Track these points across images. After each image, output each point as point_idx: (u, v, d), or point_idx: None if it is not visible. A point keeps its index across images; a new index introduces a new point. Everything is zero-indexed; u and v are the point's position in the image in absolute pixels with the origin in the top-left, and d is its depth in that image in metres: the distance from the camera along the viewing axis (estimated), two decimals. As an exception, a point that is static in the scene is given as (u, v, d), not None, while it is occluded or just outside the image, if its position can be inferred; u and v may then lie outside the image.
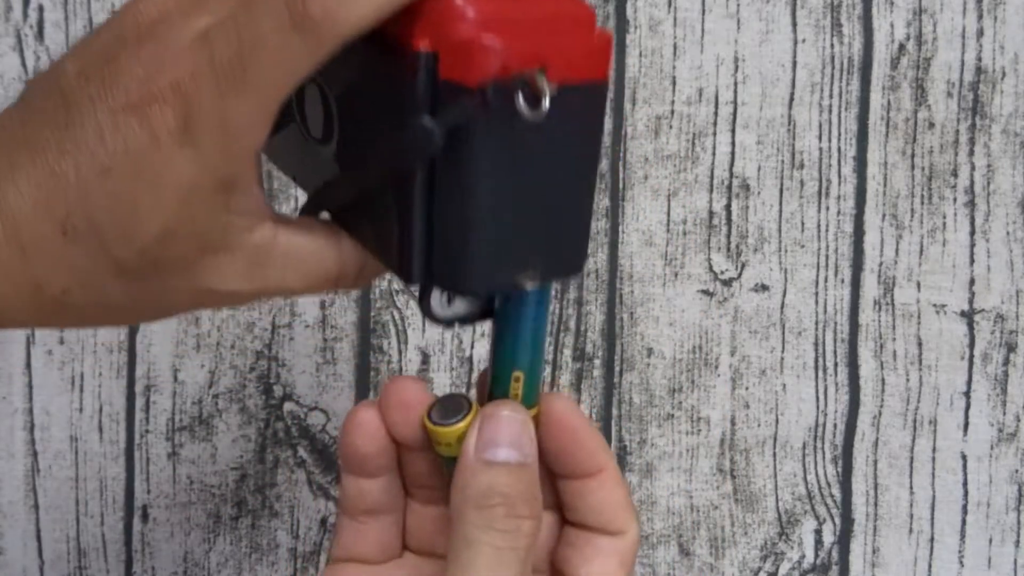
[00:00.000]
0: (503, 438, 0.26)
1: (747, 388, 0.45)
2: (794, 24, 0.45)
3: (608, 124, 0.45)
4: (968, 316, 0.45)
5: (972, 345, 0.45)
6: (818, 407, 0.45)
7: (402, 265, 0.24)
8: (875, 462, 0.46)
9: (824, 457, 0.45)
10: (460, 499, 0.26)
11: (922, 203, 0.45)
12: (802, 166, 0.45)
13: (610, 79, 0.42)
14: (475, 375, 0.45)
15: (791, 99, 0.45)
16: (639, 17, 0.45)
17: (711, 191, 0.45)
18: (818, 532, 0.46)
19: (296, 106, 0.26)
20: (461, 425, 0.27)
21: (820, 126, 0.45)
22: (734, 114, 0.45)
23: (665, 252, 0.45)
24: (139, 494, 0.45)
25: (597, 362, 0.45)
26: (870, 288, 0.45)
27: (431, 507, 0.30)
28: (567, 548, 0.29)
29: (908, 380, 0.45)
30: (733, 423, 0.45)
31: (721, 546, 0.46)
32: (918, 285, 0.45)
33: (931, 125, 0.45)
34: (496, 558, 0.25)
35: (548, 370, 0.45)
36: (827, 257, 0.45)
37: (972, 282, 0.45)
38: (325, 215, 0.26)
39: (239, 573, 0.45)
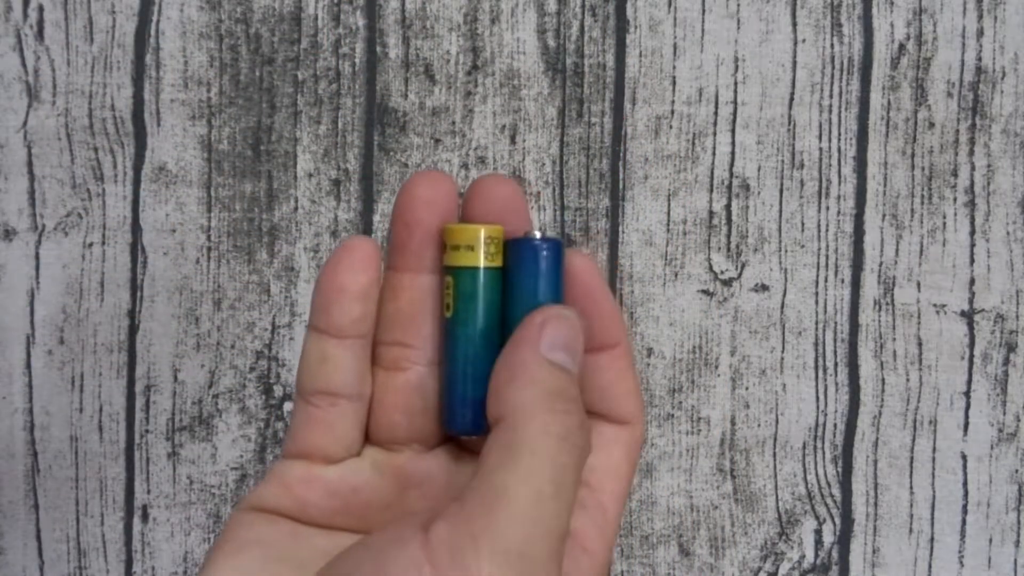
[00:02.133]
0: (562, 340, 0.24)
1: (747, 388, 0.45)
2: (794, 24, 0.45)
3: (608, 124, 0.45)
4: (968, 316, 0.45)
5: (972, 345, 0.45)
6: (818, 407, 0.45)
7: None
8: (875, 462, 0.46)
9: (824, 457, 0.45)
10: (528, 395, 0.23)
11: (922, 203, 0.45)
12: (802, 166, 0.45)
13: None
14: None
15: (791, 99, 0.45)
16: (639, 17, 0.45)
17: (711, 191, 0.45)
18: (818, 532, 0.46)
19: None
20: (487, 227, 0.26)
21: (820, 126, 0.45)
22: (734, 114, 0.45)
23: (665, 252, 0.45)
24: (139, 494, 0.45)
25: (597, 362, 0.45)
26: (870, 288, 0.45)
27: (399, 375, 0.27)
28: None
29: (908, 380, 0.45)
30: (733, 423, 0.45)
31: (721, 546, 0.46)
32: (918, 285, 0.45)
33: (931, 125, 0.45)
34: (561, 472, 0.23)
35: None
36: (827, 257, 0.45)
37: (972, 282, 0.45)
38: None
39: (239, 573, 0.45)
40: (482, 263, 0.26)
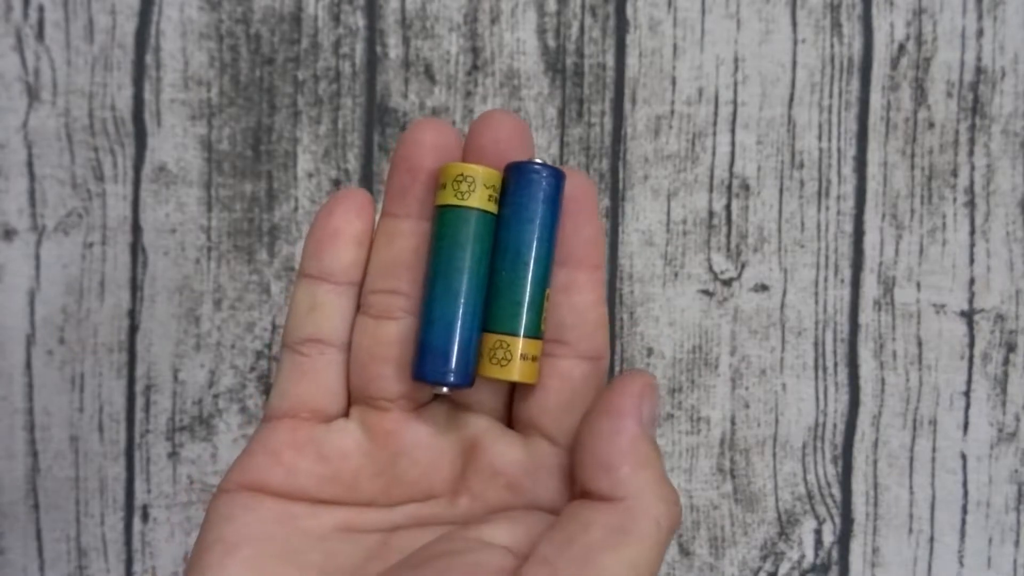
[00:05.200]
0: (655, 413, 0.24)
1: (747, 388, 0.45)
2: (794, 24, 0.45)
3: (608, 124, 0.45)
4: (968, 316, 0.45)
5: (972, 345, 0.45)
6: (818, 407, 0.45)
7: None
8: (875, 462, 0.46)
9: (824, 457, 0.45)
10: (645, 480, 0.23)
11: (922, 203, 0.45)
12: (802, 166, 0.45)
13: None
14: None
15: (791, 99, 0.45)
16: (639, 17, 0.45)
17: (711, 191, 0.45)
18: (818, 532, 0.46)
19: None
20: (484, 168, 0.24)
21: (820, 126, 0.45)
22: (734, 114, 0.45)
23: (665, 252, 0.45)
24: (139, 494, 0.45)
25: (597, 362, 0.45)
26: (870, 288, 0.45)
27: (389, 324, 0.26)
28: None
29: (908, 380, 0.45)
30: (733, 423, 0.45)
31: (721, 546, 0.46)
32: (918, 285, 0.45)
33: (931, 125, 0.45)
34: (659, 560, 0.23)
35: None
36: (827, 257, 0.45)
37: (972, 282, 0.45)
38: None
39: (239, 573, 0.45)
40: (473, 203, 0.25)
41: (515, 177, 0.25)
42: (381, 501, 0.26)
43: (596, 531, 0.22)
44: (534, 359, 0.25)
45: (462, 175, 0.25)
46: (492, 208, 0.25)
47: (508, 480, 0.26)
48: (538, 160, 0.25)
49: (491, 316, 0.25)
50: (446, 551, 0.23)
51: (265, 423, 0.26)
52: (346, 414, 0.27)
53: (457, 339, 0.25)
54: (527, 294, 0.25)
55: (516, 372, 0.25)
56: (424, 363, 0.25)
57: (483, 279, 0.25)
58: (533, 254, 0.25)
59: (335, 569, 0.24)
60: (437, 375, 0.25)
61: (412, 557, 0.24)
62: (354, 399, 0.27)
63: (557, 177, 0.25)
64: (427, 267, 0.25)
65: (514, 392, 0.27)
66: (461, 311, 0.25)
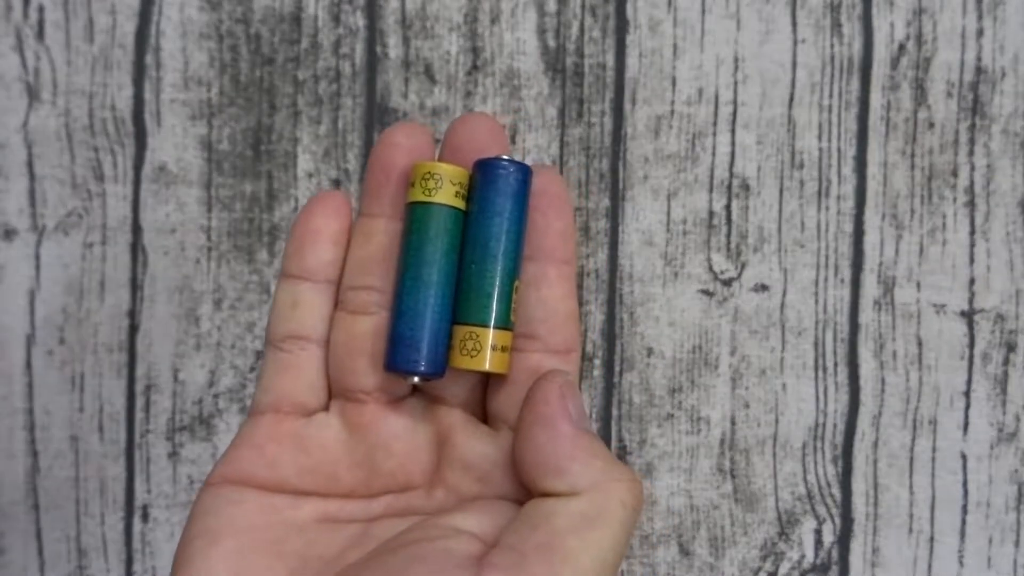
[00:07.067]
0: (582, 406, 0.25)
1: (747, 388, 0.45)
2: (794, 24, 0.45)
3: (608, 124, 0.45)
4: (968, 316, 0.45)
5: (972, 345, 0.45)
6: (818, 407, 0.45)
7: None
8: (875, 462, 0.46)
9: (824, 457, 0.45)
10: (597, 470, 0.24)
11: (922, 203, 0.45)
12: (802, 166, 0.45)
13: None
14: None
15: (791, 99, 0.45)
16: (639, 17, 0.45)
17: (711, 191, 0.45)
18: (818, 532, 0.46)
19: None
20: (451, 166, 0.25)
21: (820, 126, 0.45)
22: (734, 114, 0.45)
23: (665, 252, 0.45)
24: (139, 494, 0.45)
25: (597, 362, 0.45)
26: (870, 288, 0.45)
27: (365, 319, 0.26)
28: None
29: (908, 380, 0.45)
30: (733, 423, 0.45)
31: (721, 546, 0.46)
32: (918, 285, 0.45)
33: (931, 125, 0.45)
34: (624, 539, 0.24)
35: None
36: (827, 257, 0.45)
37: (972, 282, 0.45)
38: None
39: (239, 573, 0.45)
40: (441, 199, 0.25)
41: (482, 173, 0.26)
42: (360, 492, 0.27)
43: (560, 519, 0.23)
44: (504, 349, 0.26)
45: (429, 173, 0.26)
46: (460, 204, 0.26)
47: (479, 473, 0.26)
48: (505, 156, 0.25)
49: (461, 308, 0.26)
50: (418, 538, 0.24)
51: (249, 418, 0.27)
52: (327, 408, 0.27)
53: (427, 329, 0.25)
54: (496, 286, 0.26)
55: (487, 362, 0.26)
56: (395, 353, 0.25)
57: (451, 271, 0.26)
58: (501, 247, 0.26)
59: (315, 558, 0.25)
60: (408, 364, 0.25)
61: (386, 543, 0.24)
62: (334, 393, 0.27)
63: (523, 172, 0.26)
64: (398, 262, 0.26)
65: (487, 385, 0.28)
66: (430, 302, 0.25)
